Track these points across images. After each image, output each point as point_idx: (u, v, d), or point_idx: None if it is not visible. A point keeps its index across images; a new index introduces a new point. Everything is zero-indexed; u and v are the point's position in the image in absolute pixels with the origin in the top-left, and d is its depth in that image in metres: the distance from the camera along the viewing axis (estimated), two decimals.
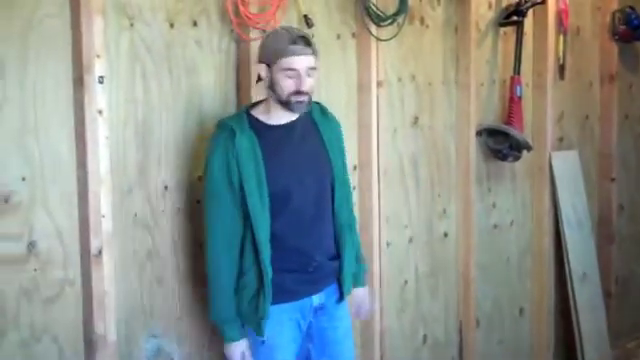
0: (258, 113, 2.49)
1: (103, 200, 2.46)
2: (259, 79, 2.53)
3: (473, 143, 3.63)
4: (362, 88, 3.22)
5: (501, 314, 3.93)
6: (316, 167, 2.51)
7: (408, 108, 3.44)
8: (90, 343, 2.48)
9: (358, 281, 2.74)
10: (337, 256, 2.57)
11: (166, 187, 2.68)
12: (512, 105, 3.77)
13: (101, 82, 2.42)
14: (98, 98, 2.42)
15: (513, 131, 3.68)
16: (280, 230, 2.43)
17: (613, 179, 4.47)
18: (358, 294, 2.76)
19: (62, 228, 2.44)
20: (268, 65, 2.39)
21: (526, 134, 3.85)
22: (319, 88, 3.04)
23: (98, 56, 2.41)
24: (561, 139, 4.15)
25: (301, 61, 2.35)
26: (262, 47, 2.45)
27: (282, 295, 2.45)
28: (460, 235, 3.67)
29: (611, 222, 4.47)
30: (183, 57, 2.70)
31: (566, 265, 4.07)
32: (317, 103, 2.64)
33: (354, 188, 3.22)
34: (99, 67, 2.42)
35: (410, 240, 3.48)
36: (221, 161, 2.41)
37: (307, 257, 2.49)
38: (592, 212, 4.34)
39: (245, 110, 2.53)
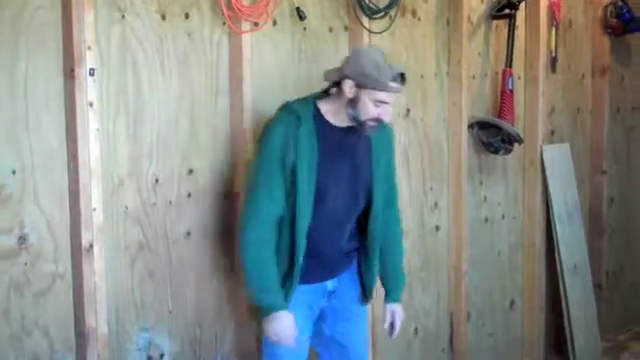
0: (324, 109, 2.48)
1: (94, 193, 2.45)
2: (335, 86, 2.47)
3: (465, 136, 3.63)
4: None
5: (492, 307, 3.94)
6: (356, 178, 2.55)
7: (400, 101, 3.42)
8: (81, 336, 2.48)
9: (394, 296, 2.76)
10: (355, 251, 2.67)
11: (157, 180, 2.67)
12: (504, 98, 3.77)
13: (92, 74, 2.41)
14: (89, 90, 2.41)
15: (505, 124, 3.68)
16: (309, 225, 2.48)
17: (604, 172, 4.48)
18: (393, 309, 2.74)
19: (53, 221, 2.43)
20: (358, 86, 2.39)
21: (518, 127, 3.85)
22: (311, 81, 3.04)
23: (89, 48, 2.40)
24: (552, 132, 4.16)
25: (394, 97, 2.42)
26: (357, 67, 2.39)
27: (301, 277, 2.51)
28: (452, 228, 3.67)
29: (602, 215, 4.49)
30: (175, 49, 2.68)
31: (557, 258, 4.08)
32: None
33: None
34: (90, 59, 2.40)
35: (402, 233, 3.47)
36: (281, 141, 2.41)
37: (325, 255, 2.57)
38: (583, 205, 4.35)
39: (313, 100, 2.50)
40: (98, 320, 2.48)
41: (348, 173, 2.53)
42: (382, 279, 2.76)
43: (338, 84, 2.45)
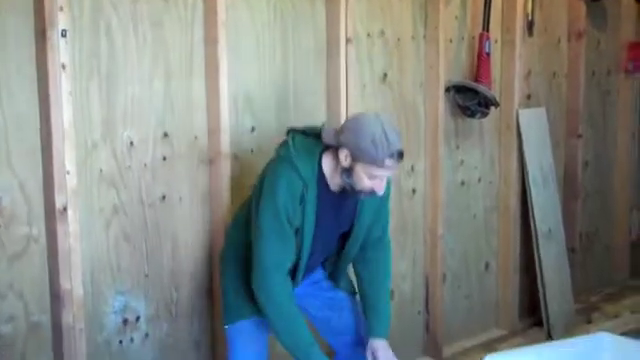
0: (326, 168, 2.41)
1: (67, 156, 2.44)
2: (328, 148, 2.42)
3: (442, 100, 3.63)
4: (331, 44, 3.19)
5: (467, 269, 3.98)
6: (339, 228, 2.55)
7: (377, 64, 3.42)
8: (56, 299, 2.49)
9: (378, 331, 2.60)
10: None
11: (132, 143, 2.66)
12: (480, 62, 3.77)
13: (64, 36, 2.39)
14: (61, 52, 2.38)
15: (481, 87, 3.68)
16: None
17: (579, 136, 4.51)
18: (376, 346, 2.57)
19: (26, 185, 2.42)
20: (354, 159, 2.32)
21: (494, 91, 3.85)
22: (287, 45, 3.03)
23: (61, 9, 2.37)
24: (529, 96, 4.17)
25: (390, 173, 2.36)
26: (354, 138, 2.30)
27: None
28: (428, 192, 3.69)
29: (576, 178, 4.52)
30: (149, 12, 2.66)
31: (532, 221, 4.11)
32: None
33: None
34: (62, 21, 2.37)
35: None
36: (288, 201, 2.35)
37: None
38: (558, 169, 4.38)
39: (318, 156, 2.41)
40: (73, 282, 2.49)
41: (333, 224, 2.53)
42: (365, 312, 2.65)
43: (336, 147, 2.38)
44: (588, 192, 4.65)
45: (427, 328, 3.77)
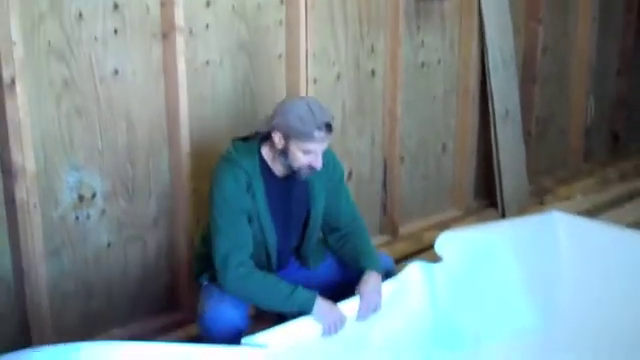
0: (267, 156, 2.48)
1: (12, 26, 2.34)
2: (266, 138, 2.46)
3: None
4: None
5: (425, 151, 4.01)
6: (297, 216, 2.57)
7: None
8: (8, 174, 2.44)
9: (366, 265, 2.54)
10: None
11: (80, 14, 2.56)
12: None
13: None
14: None
15: None
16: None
17: (540, 20, 4.48)
18: (362, 280, 2.50)
19: None
20: (286, 137, 2.38)
21: None
22: None
23: None
24: None
25: (321, 146, 2.39)
26: (283, 120, 2.38)
27: None
28: (387, 72, 3.65)
29: (535, 63, 4.52)
30: None
31: (490, 104, 4.13)
32: None
33: (280, 23, 3.15)
34: None
35: (338, 77, 3.45)
36: (234, 192, 2.40)
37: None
38: (518, 53, 4.37)
39: (257, 147, 2.47)
40: (25, 157, 2.44)
41: (289, 210, 2.54)
42: (354, 263, 2.59)
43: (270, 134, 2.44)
44: (546, 77, 4.67)
45: (384, 208, 3.81)
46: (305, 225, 2.61)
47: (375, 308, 2.47)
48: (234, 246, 2.40)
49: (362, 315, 2.45)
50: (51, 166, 2.58)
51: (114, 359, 2.07)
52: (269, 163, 2.48)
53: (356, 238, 2.65)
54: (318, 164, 2.42)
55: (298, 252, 2.67)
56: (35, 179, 2.49)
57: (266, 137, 2.48)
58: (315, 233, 2.64)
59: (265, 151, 2.48)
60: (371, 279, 2.49)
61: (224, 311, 2.36)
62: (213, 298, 2.42)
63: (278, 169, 2.48)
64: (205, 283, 2.53)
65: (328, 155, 2.55)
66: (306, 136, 2.36)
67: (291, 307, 2.38)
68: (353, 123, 3.58)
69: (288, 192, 2.53)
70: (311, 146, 2.38)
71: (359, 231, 2.68)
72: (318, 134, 2.36)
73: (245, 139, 2.54)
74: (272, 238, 2.51)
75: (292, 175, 2.47)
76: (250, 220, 2.45)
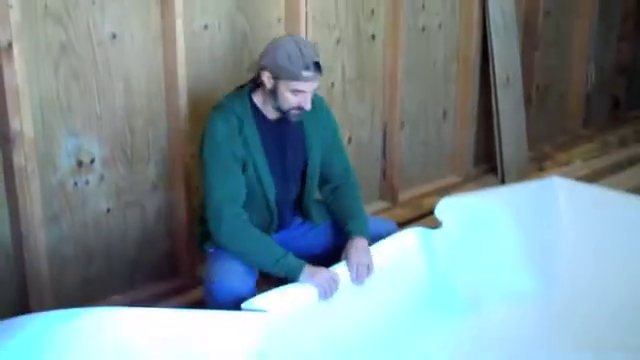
0: (258, 101, 2.47)
1: None
2: (256, 82, 2.46)
3: None
4: None
5: (425, 117, 3.98)
6: (293, 164, 2.56)
7: None
8: (6, 140, 2.42)
9: (354, 230, 2.52)
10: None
11: None
12: None
13: None
14: None
15: None
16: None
17: None
18: (349, 244, 2.48)
19: None
20: (275, 78, 2.38)
21: None
22: None
23: None
24: None
25: (310, 85, 2.38)
26: (272, 58, 2.38)
27: None
28: (388, 37, 3.61)
29: (536, 28, 4.48)
30: None
31: (491, 70, 4.10)
32: None
33: None
34: None
35: (337, 41, 3.41)
36: (226, 137, 2.38)
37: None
38: (519, 17, 4.32)
39: (248, 93, 2.47)
40: (23, 122, 2.42)
41: (285, 156, 2.53)
42: (342, 223, 2.58)
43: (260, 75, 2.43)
44: (547, 43, 4.62)
45: (384, 174, 3.80)
46: (304, 175, 2.59)
47: (368, 271, 2.46)
48: (228, 196, 2.38)
49: (358, 279, 2.44)
50: (49, 131, 2.56)
51: (115, 324, 2.07)
52: (260, 106, 2.47)
53: (347, 195, 2.64)
54: (307, 105, 2.40)
55: (300, 207, 2.65)
56: (33, 145, 2.47)
57: (257, 84, 2.47)
58: (314, 182, 2.62)
59: (256, 96, 2.47)
60: (358, 244, 2.47)
61: (234, 282, 2.34)
62: (222, 267, 2.40)
63: (270, 112, 2.47)
64: (211, 250, 2.51)
65: (321, 103, 2.58)
66: (295, 76, 2.35)
67: (279, 271, 2.39)
68: (353, 88, 3.55)
69: (283, 136, 2.51)
70: (300, 86, 2.37)
71: (350, 187, 2.67)
72: (306, 73, 2.35)
73: (236, 90, 2.54)
74: (270, 186, 2.47)
75: (284, 118, 2.45)
76: (245, 169, 2.42)
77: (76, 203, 2.69)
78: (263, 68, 2.40)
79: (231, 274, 2.37)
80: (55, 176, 2.61)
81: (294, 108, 2.41)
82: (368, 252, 2.48)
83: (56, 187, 2.62)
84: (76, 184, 2.67)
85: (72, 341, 1.98)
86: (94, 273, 2.80)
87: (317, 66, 2.37)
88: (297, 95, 2.38)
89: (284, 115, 2.44)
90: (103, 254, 2.81)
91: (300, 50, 2.35)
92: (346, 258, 2.46)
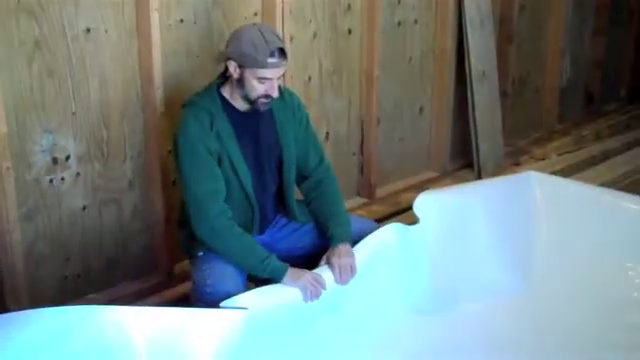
0: (227, 94, 2.47)
1: None
2: (226, 73, 2.46)
3: None
4: None
5: (402, 112, 3.98)
6: (268, 156, 2.54)
7: None
8: None
9: (337, 236, 2.51)
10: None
11: None
12: None
13: None
14: None
15: None
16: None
17: None
18: (331, 252, 2.47)
19: None
20: (241, 66, 2.37)
21: None
22: None
23: None
24: None
25: (276, 72, 2.38)
26: (236, 47, 2.38)
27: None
28: (365, 32, 3.60)
29: (512, 22, 4.49)
30: None
31: (466, 64, 4.10)
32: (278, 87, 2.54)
33: None
34: None
35: (314, 35, 3.40)
36: (199, 134, 2.37)
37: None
38: (494, 11, 4.33)
39: (217, 89, 2.47)
40: None
41: (260, 149, 2.52)
42: (324, 225, 2.57)
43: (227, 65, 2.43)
44: (522, 37, 4.64)
45: (361, 170, 3.80)
46: (281, 167, 2.58)
47: (352, 273, 2.45)
48: (210, 191, 2.37)
49: (342, 281, 2.43)
50: (23, 128, 2.52)
51: (99, 321, 2.05)
52: (229, 99, 2.46)
53: (327, 193, 2.63)
54: (274, 92, 2.40)
55: (282, 204, 2.63)
56: (7, 142, 2.43)
57: (225, 77, 2.47)
58: (292, 174, 2.60)
59: (225, 89, 2.47)
60: (341, 250, 2.46)
61: (229, 286, 2.31)
62: (215, 272, 2.37)
63: (239, 104, 2.46)
64: (200, 254, 2.47)
65: (291, 95, 2.61)
66: (260, 63, 2.34)
67: (262, 272, 2.37)
68: (330, 83, 3.54)
69: (255, 128, 2.50)
70: (266, 73, 2.36)
71: (330, 184, 2.65)
72: (272, 60, 2.35)
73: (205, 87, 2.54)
74: (246, 177, 2.45)
75: (255, 110, 2.45)
76: (221, 162, 2.41)
77: (52, 201, 2.65)
78: (229, 58, 2.40)
79: (226, 278, 2.35)
80: (30, 174, 2.57)
81: (262, 96, 2.40)
82: (351, 254, 2.48)
83: (31, 185, 2.58)
84: (51, 181, 2.63)
85: (52, 340, 1.96)
86: (70, 271, 2.76)
87: (282, 52, 2.37)
88: (264, 83, 2.37)
89: (253, 105, 2.43)
90: (79, 252, 2.78)
91: (264, 37, 2.35)
92: (328, 262, 2.45)
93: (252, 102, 2.42)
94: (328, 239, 2.52)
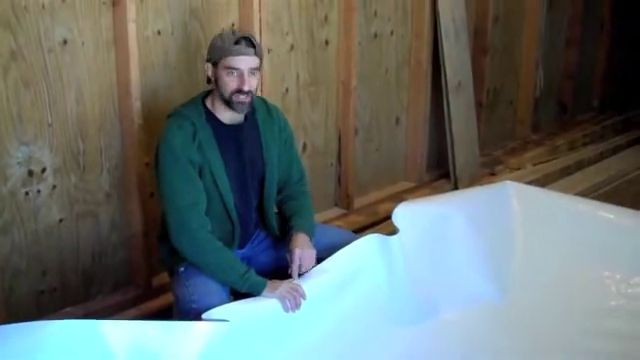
0: (210, 105, 2.47)
1: None
2: (209, 80, 2.47)
3: None
4: None
5: (378, 123, 4.00)
6: (252, 171, 2.53)
7: None
8: None
9: (298, 225, 2.53)
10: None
11: None
12: None
13: None
14: None
15: None
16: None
17: None
18: (294, 243, 2.47)
19: None
20: (214, 64, 2.40)
21: None
22: None
23: None
24: None
25: (243, 61, 2.37)
26: (209, 47, 2.45)
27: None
28: (342, 43, 3.62)
29: (486, 33, 4.54)
30: None
31: (442, 75, 4.13)
32: (264, 102, 2.61)
33: None
34: None
35: (291, 47, 3.40)
36: (182, 144, 2.35)
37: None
38: (469, 23, 4.38)
39: (201, 100, 2.47)
40: None
41: (242, 163, 2.50)
42: (289, 221, 2.59)
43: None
44: (496, 48, 4.69)
45: (339, 180, 3.80)
46: (262, 183, 2.56)
47: (309, 262, 2.46)
48: (190, 203, 2.35)
49: (295, 270, 2.43)
50: None
51: (77, 335, 2.02)
52: (213, 110, 2.45)
53: (296, 197, 2.64)
54: (245, 85, 2.38)
55: (262, 219, 2.62)
56: None
57: (209, 91, 2.49)
58: (273, 189, 2.59)
59: (208, 100, 2.47)
60: (299, 237, 2.48)
61: (214, 300, 2.28)
62: (198, 287, 2.35)
63: (223, 115, 2.45)
64: (182, 269, 2.44)
65: (277, 111, 2.62)
66: (225, 51, 2.36)
67: (241, 286, 2.36)
68: (307, 94, 3.54)
69: (239, 141, 2.49)
70: (232, 61, 2.36)
71: (302, 193, 2.67)
72: (237, 47, 2.36)
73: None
74: (227, 190, 2.44)
75: (240, 124, 2.46)
76: (202, 174, 2.39)
77: (27, 213, 2.62)
78: (205, 63, 2.45)
79: (211, 293, 2.32)
80: (5, 186, 2.54)
81: (234, 91, 2.37)
82: (310, 245, 2.49)
83: (7, 197, 2.55)
84: (27, 194, 2.60)
85: (29, 355, 1.94)
86: (47, 285, 2.73)
87: (248, 41, 2.38)
88: (233, 74, 2.37)
89: (230, 106, 2.40)
90: (56, 265, 2.74)
91: (232, 31, 2.42)
92: (289, 249, 2.46)
93: (228, 102, 2.40)
94: (289, 229, 2.53)
